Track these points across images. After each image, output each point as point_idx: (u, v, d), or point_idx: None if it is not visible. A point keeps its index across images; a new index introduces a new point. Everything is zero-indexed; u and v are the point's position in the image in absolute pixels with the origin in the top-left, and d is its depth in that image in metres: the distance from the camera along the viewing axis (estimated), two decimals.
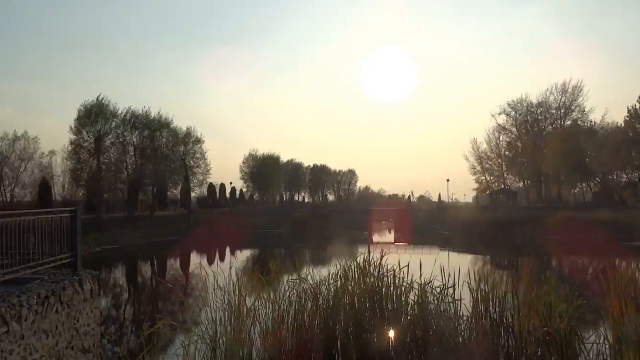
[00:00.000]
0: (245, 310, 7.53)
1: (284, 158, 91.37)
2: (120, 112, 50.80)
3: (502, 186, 77.32)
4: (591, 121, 66.60)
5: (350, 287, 7.89)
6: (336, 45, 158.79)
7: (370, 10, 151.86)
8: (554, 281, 7.69)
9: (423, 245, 39.21)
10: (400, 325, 7.51)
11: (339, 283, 8.02)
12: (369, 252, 8.35)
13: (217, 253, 38.39)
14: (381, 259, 7.77)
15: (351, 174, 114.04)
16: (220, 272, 8.20)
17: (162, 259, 34.42)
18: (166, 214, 56.03)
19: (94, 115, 48.25)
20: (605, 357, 6.90)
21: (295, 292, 7.95)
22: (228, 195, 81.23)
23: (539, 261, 25.64)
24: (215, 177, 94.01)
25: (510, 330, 7.23)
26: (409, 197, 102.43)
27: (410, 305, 7.60)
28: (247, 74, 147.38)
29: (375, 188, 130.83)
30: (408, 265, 7.86)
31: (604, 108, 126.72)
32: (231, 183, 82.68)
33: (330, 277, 8.33)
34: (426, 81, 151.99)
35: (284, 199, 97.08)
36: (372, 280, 7.72)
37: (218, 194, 76.77)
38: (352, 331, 7.62)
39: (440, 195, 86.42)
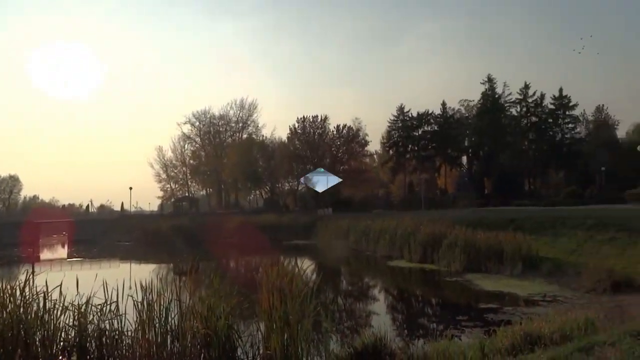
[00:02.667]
0: None
1: None
2: None
3: (187, 193, 79.73)
4: (263, 135, 76.27)
5: None
6: None
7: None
8: (217, 283, 8.19)
9: (102, 259, 36.48)
10: (50, 356, 6.57)
11: None
12: (32, 273, 7.03)
13: None
14: (25, 281, 6.64)
15: (13, 180, 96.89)
16: None
17: None
18: None
19: None
20: (257, 346, 7.72)
21: None
22: None
23: (216, 264, 27.32)
24: None
25: (176, 336, 7.30)
26: (88, 207, 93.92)
27: (64, 330, 6.76)
28: None
29: (45, 197, 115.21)
30: (60, 285, 6.98)
31: (274, 124, 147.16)
32: None
33: None
34: (112, 83, 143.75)
35: None
36: (13, 307, 6.51)
37: None
38: None
39: (122, 203, 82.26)
